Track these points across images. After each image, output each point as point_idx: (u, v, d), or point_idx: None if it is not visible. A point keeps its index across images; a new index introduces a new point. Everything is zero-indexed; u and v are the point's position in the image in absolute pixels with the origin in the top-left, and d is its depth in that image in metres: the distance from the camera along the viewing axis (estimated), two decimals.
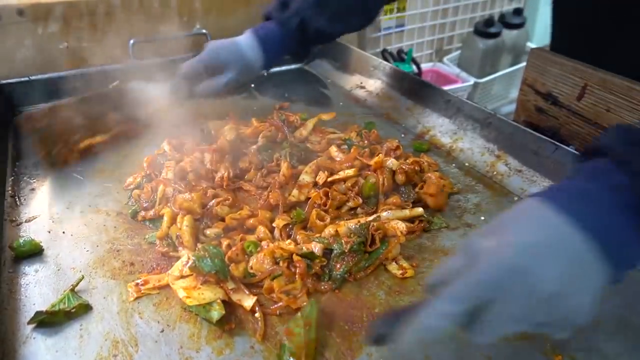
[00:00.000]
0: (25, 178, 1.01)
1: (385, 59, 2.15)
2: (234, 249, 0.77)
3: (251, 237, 0.82)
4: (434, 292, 0.49)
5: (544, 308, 0.45)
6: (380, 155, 0.96)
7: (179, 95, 1.14)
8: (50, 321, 0.68)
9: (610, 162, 0.51)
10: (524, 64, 2.22)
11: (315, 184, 0.94)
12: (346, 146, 1.09)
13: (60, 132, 1.06)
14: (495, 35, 2.29)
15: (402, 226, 0.84)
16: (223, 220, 0.87)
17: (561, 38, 1.25)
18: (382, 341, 0.50)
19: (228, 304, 0.71)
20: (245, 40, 1.12)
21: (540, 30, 2.68)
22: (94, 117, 1.11)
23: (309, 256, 0.75)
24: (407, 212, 0.88)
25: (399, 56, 2.20)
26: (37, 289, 0.75)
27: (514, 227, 0.49)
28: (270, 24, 1.14)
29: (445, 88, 2.12)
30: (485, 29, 2.27)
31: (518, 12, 2.38)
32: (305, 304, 0.70)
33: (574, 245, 0.46)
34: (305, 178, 0.93)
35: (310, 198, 0.90)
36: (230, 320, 0.70)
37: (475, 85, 2.23)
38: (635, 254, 0.48)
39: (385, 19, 2.14)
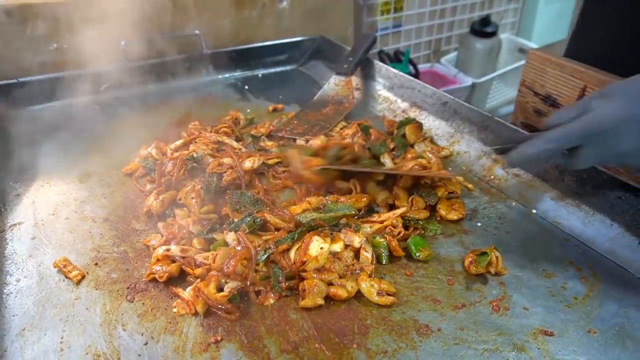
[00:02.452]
0: (10, 183, 0.99)
1: (382, 60, 2.13)
2: None
3: None
4: (548, 128, 0.70)
5: (617, 158, 0.68)
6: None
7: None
8: None
9: None
10: (522, 62, 2.21)
11: None
12: None
13: None
14: (492, 34, 2.27)
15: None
16: None
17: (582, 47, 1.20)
18: (501, 152, 0.77)
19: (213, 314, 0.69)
20: None
21: (539, 29, 2.66)
22: None
23: None
24: None
25: (396, 57, 2.17)
26: (18, 299, 0.72)
27: (619, 98, 0.65)
28: None
29: (443, 89, 2.10)
30: (481, 28, 2.25)
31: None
32: None
33: None
34: None
35: None
36: (217, 332, 0.67)
37: (474, 85, 2.21)
38: None
39: (382, 20, 2.12)
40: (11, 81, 1.28)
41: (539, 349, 0.65)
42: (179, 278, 0.76)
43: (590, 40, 1.17)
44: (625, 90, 0.66)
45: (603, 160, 0.70)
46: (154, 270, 0.75)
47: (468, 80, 2.20)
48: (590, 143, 0.66)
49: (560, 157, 0.72)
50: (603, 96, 0.67)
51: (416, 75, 2.14)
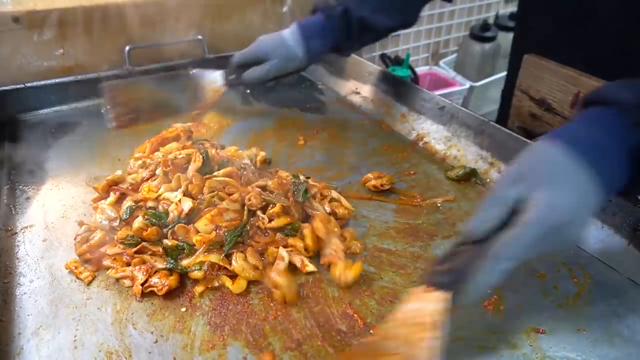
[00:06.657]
0: (20, 186, 1.02)
1: (385, 63, 2.16)
2: None
3: None
4: (471, 237, 0.59)
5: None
6: None
7: (230, 82, 1.26)
8: None
9: (619, 115, 0.58)
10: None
11: None
12: None
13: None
14: (492, 39, 2.30)
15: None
16: None
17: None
18: (446, 288, 0.58)
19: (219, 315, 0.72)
20: (289, 31, 1.19)
21: None
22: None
23: None
24: None
25: (397, 60, 2.20)
26: (32, 299, 0.75)
27: (545, 180, 0.56)
28: (316, 16, 1.19)
29: (442, 91, 2.14)
30: (481, 33, 2.28)
31: (514, 17, 2.38)
32: None
33: (593, 203, 0.57)
34: None
35: None
36: (223, 331, 0.70)
37: (471, 88, 2.24)
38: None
39: None
40: (19, 86, 1.31)
41: (531, 345, 0.68)
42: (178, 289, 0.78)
43: (532, 26, 1.24)
44: (541, 171, 0.57)
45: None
46: (152, 283, 0.76)
47: (466, 83, 2.24)
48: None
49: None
50: (517, 181, 0.58)
51: (415, 79, 2.17)
